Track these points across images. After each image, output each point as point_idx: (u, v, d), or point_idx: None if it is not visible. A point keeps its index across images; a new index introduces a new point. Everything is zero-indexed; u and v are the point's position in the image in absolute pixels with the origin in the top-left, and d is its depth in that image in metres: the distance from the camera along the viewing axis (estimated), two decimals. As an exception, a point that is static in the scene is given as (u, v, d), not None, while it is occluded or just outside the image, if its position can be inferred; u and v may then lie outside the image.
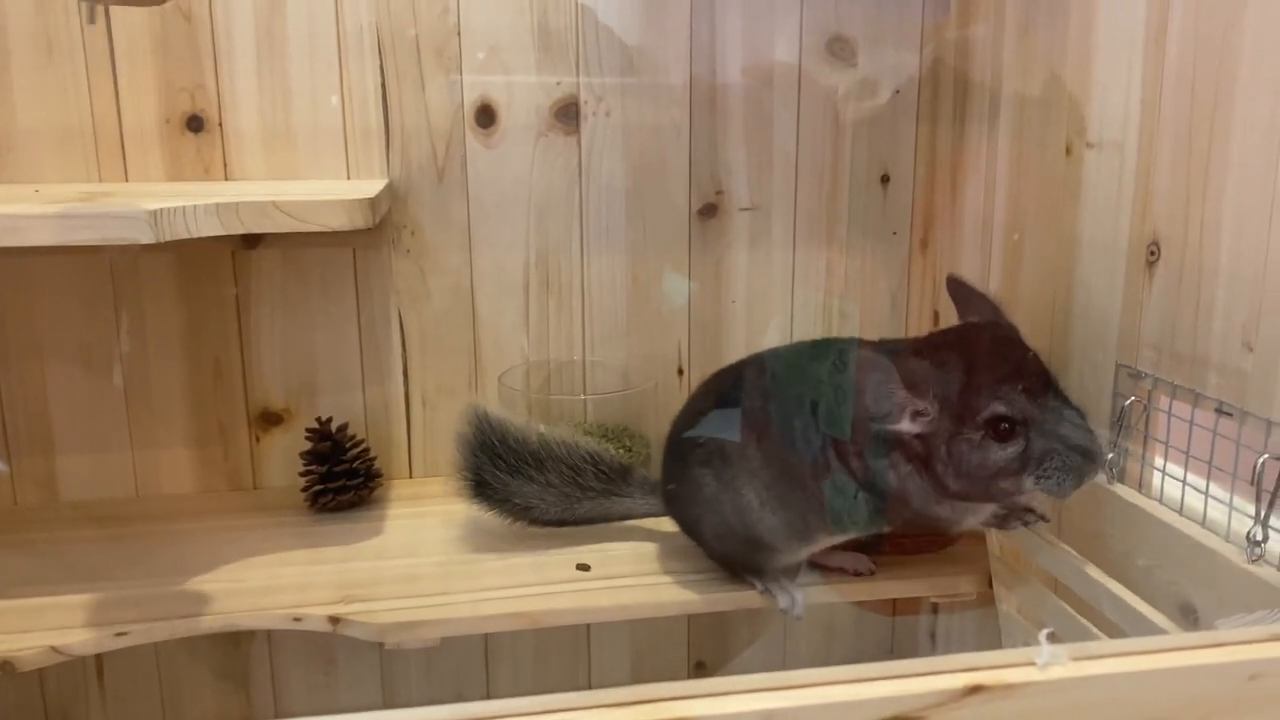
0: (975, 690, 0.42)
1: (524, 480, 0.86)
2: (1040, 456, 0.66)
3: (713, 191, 1.01)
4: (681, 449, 0.82)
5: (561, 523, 0.89)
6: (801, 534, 0.77)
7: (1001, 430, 0.66)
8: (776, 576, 0.80)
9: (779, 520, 0.76)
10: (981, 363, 0.68)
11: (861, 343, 0.78)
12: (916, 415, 0.68)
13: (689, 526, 0.84)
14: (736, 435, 0.78)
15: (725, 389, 0.84)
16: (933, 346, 0.71)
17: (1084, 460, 0.66)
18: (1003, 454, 0.66)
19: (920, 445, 0.69)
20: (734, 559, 0.81)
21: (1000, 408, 0.66)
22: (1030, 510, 0.78)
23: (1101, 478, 0.79)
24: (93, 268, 0.93)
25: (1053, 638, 0.43)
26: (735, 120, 1.00)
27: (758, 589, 0.80)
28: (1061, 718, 0.43)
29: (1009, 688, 0.42)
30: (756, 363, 0.83)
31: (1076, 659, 0.43)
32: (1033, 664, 0.43)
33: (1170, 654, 0.44)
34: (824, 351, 0.80)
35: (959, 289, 0.76)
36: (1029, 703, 0.43)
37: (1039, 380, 0.68)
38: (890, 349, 0.72)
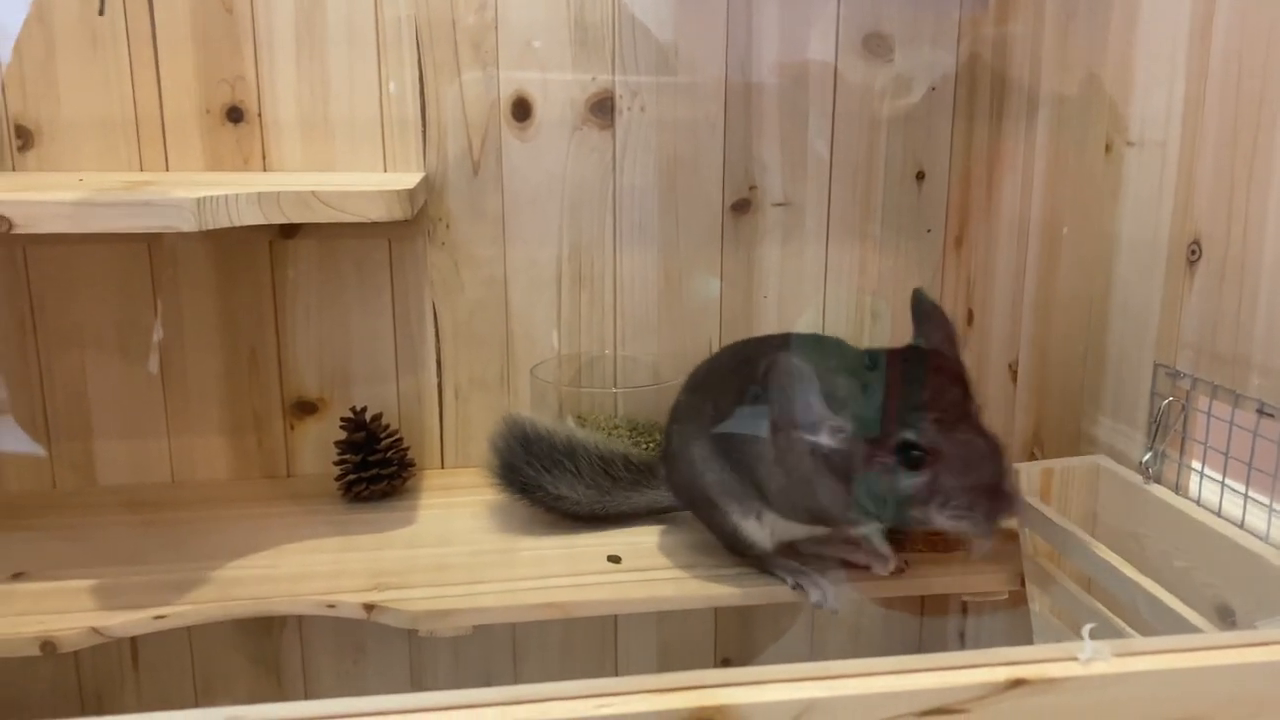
0: (1017, 684, 0.42)
1: (557, 475, 0.88)
2: (947, 491, 0.65)
3: (746, 187, 1.01)
4: (667, 430, 0.87)
5: (593, 515, 0.89)
6: (739, 500, 0.79)
7: (911, 458, 0.66)
8: (796, 568, 0.80)
9: (720, 479, 0.79)
10: (903, 389, 0.68)
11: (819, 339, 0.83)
12: (834, 431, 0.68)
13: (671, 487, 0.87)
14: (707, 411, 0.81)
15: (723, 358, 0.88)
16: (864, 366, 0.71)
17: (990, 500, 0.65)
18: (910, 483, 0.66)
19: (839, 459, 0.69)
20: (711, 526, 0.84)
21: (909, 435, 0.65)
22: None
23: (1137, 478, 0.79)
24: (132, 256, 0.94)
25: (1095, 633, 0.43)
26: (770, 116, 1.00)
27: (789, 584, 0.80)
28: (1103, 713, 0.43)
29: (1051, 682, 0.42)
30: (733, 348, 0.88)
31: (1119, 655, 0.43)
32: (1075, 659, 0.43)
33: (1214, 652, 0.44)
34: (796, 343, 0.81)
35: (920, 305, 0.75)
36: (1071, 698, 0.43)
37: (957, 412, 0.67)
38: (842, 355, 0.73)
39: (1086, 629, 0.43)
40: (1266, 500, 0.69)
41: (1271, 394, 0.67)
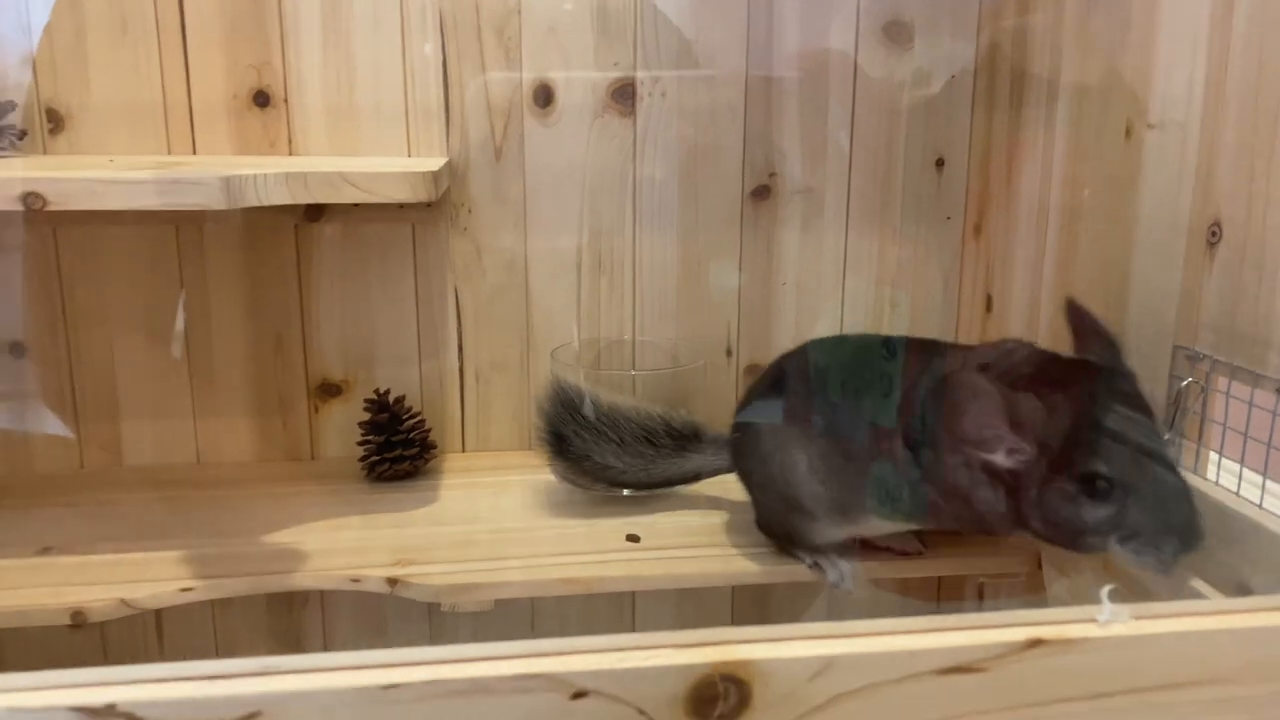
0: (1035, 644, 0.43)
1: (604, 446, 0.88)
2: (1133, 527, 0.63)
3: (766, 174, 1.01)
4: (753, 399, 0.85)
5: (639, 485, 0.91)
6: (843, 510, 0.78)
7: (1098, 488, 0.64)
8: (823, 550, 0.81)
9: (822, 490, 0.77)
10: (1092, 414, 0.65)
11: (955, 348, 0.78)
12: (1012, 452, 0.66)
13: (744, 476, 0.86)
14: (809, 399, 0.79)
15: (818, 357, 0.84)
16: (1042, 382, 0.67)
17: (1179, 542, 0.63)
18: (1094, 513, 0.64)
19: (1010, 478, 0.67)
20: (776, 519, 0.83)
21: (1101, 466, 0.63)
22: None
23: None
24: (160, 238, 0.96)
25: (1115, 595, 0.43)
26: (790, 103, 1.00)
27: (806, 563, 0.81)
28: (1120, 674, 0.44)
29: (1069, 643, 0.43)
30: (857, 342, 0.86)
31: (1138, 618, 0.44)
32: (1094, 620, 0.43)
33: (1232, 615, 0.44)
34: (919, 349, 0.79)
35: (1079, 318, 0.72)
36: (1088, 658, 0.43)
37: (1148, 443, 0.64)
38: (981, 362, 0.70)
39: (1105, 589, 0.43)
40: (1286, 480, 0.69)
41: (1291, 374, 0.67)
